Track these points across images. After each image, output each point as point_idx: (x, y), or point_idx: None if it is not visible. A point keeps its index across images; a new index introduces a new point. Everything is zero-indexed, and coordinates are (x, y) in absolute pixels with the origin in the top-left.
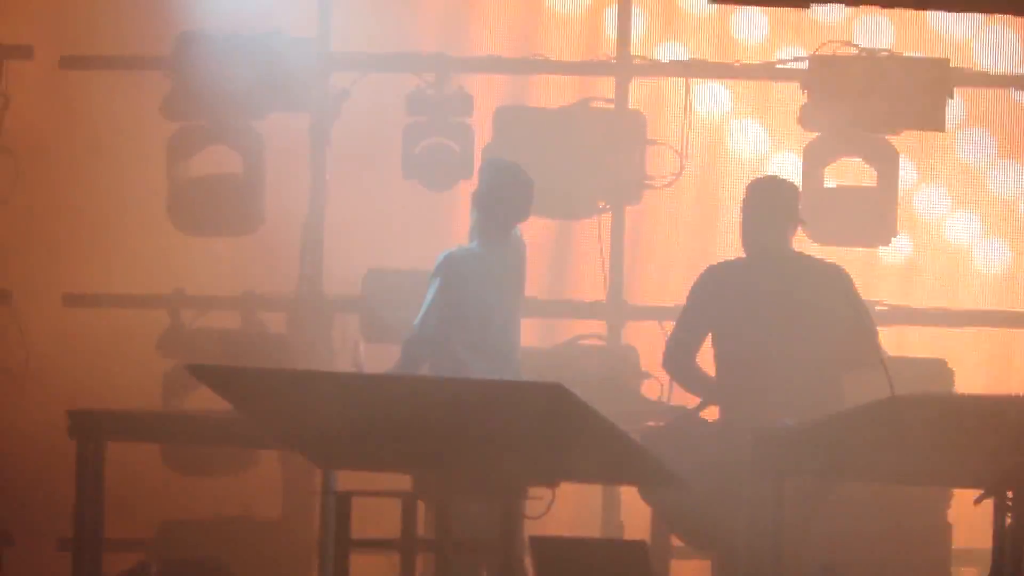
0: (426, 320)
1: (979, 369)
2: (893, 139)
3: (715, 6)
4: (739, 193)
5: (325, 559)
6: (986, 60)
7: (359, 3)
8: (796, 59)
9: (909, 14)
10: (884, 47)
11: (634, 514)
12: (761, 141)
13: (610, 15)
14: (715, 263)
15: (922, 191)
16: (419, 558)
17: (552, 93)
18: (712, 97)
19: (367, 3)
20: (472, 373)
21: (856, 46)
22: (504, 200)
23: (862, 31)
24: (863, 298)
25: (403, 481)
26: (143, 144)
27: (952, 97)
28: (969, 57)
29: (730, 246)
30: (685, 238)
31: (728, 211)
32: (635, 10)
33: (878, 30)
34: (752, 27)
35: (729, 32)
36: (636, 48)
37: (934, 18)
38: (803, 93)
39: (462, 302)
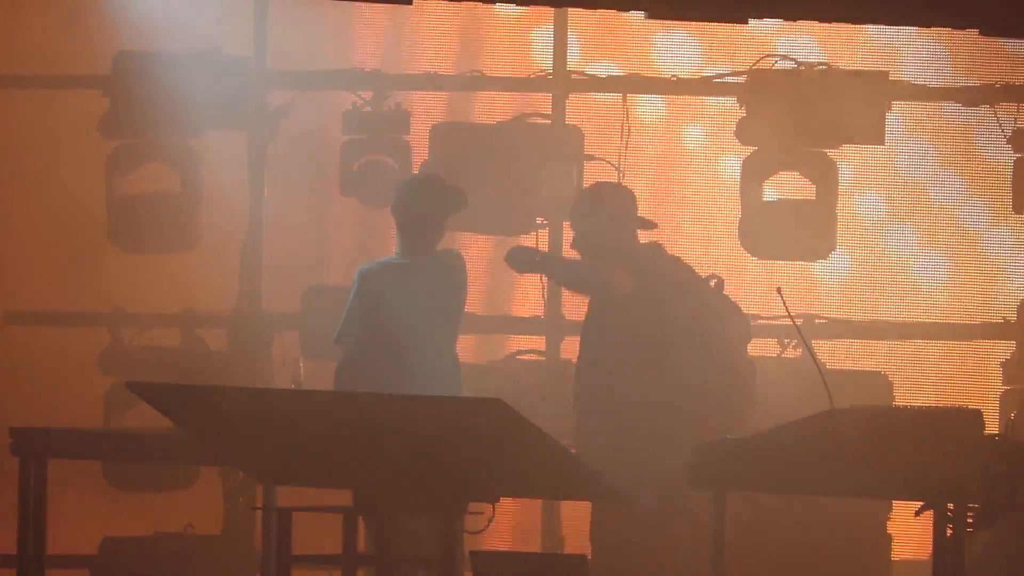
0: (343, 333)
1: (919, 382)
2: (833, 151)
3: (650, 24)
4: (679, 207)
5: (266, 575)
6: (920, 72)
7: (296, 21)
8: (734, 73)
9: (844, 27)
10: (821, 61)
11: (575, 529)
12: (699, 155)
13: (540, 34)
14: None
15: (861, 203)
16: (360, 574)
17: (490, 109)
18: (650, 111)
19: (304, 21)
20: (394, 390)
21: (794, 60)
22: (411, 210)
23: (789, 48)
24: None
25: (344, 497)
26: (81, 162)
27: (891, 110)
28: (903, 70)
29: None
30: None
31: (667, 226)
32: (570, 29)
33: (807, 46)
34: (683, 48)
35: (662, 52)
36: (571, 64)
37: (869, 31)
38: (740, 107)
39: (377, 312)
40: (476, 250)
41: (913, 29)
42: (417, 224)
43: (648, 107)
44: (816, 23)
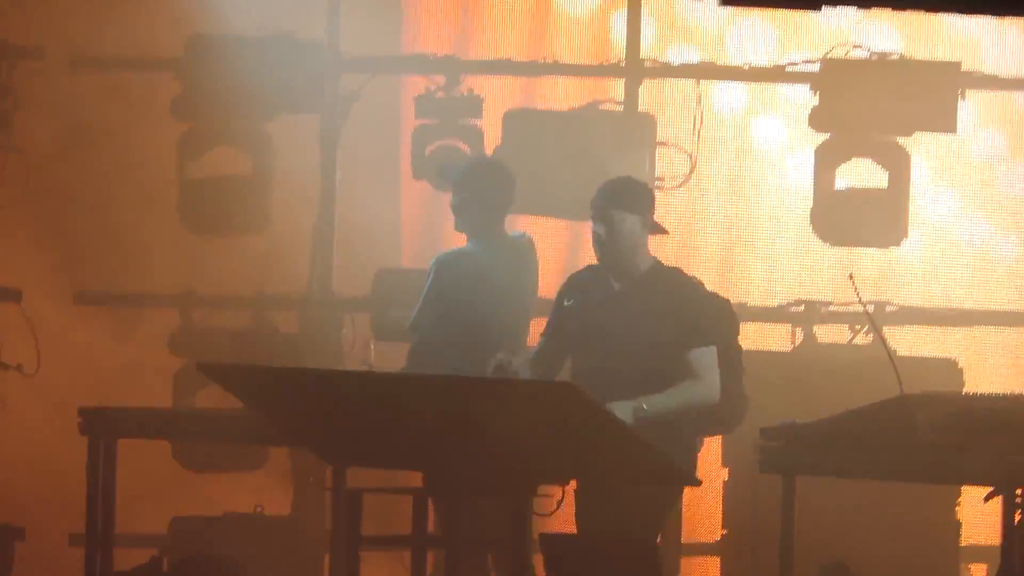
0: (419, 320)
1: (990, 369)
2: (906, 140)
3: (724, 11)
4: (752, 194)
5: (336, 556)
6: (996, 62)
7: (368, 6)
8: (807, 61)
9: (919, 17)
10: (895, 50)
11: None
12: (773, 141)
13: (617, 20)
14: None
15: (934, 191)
16: (429, 555)
17: (561, 95)
18: (723, 98)
19: (376, 6)
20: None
21: (867, 49)
22: (475, 195)
23: (865, 37)
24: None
25: (414, 478)
26: (153, 144)
27: (963, 99)
28: (979, 59)
29: (743, 245)
30: (696, 239)
31: (742, 211)
32: (644, 15)
33: (882, 35)
34: (759, 36)
35: (737, 40)
36: (645, 51)
37: (944, 20)
38: (814, 95)
39: (455, 302)
40: (547, 233)
41: (987, 19)
42: (487, 211)
43: (722, 94)
44: (890, 11)
